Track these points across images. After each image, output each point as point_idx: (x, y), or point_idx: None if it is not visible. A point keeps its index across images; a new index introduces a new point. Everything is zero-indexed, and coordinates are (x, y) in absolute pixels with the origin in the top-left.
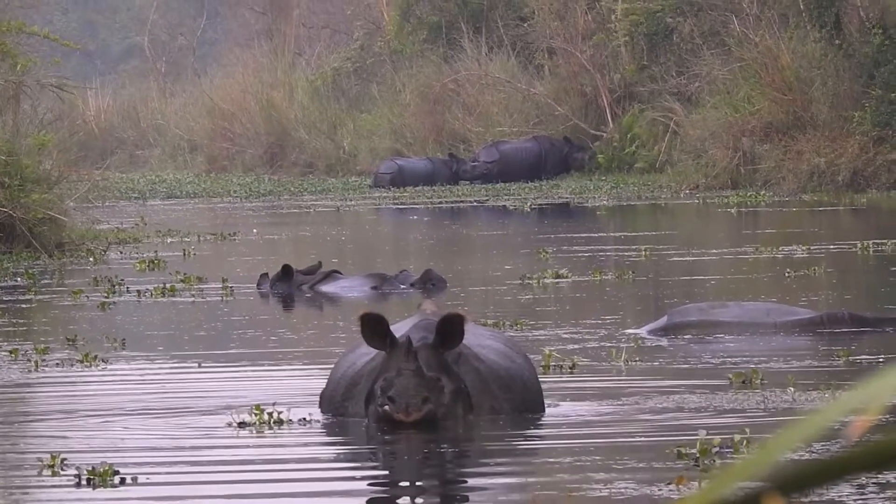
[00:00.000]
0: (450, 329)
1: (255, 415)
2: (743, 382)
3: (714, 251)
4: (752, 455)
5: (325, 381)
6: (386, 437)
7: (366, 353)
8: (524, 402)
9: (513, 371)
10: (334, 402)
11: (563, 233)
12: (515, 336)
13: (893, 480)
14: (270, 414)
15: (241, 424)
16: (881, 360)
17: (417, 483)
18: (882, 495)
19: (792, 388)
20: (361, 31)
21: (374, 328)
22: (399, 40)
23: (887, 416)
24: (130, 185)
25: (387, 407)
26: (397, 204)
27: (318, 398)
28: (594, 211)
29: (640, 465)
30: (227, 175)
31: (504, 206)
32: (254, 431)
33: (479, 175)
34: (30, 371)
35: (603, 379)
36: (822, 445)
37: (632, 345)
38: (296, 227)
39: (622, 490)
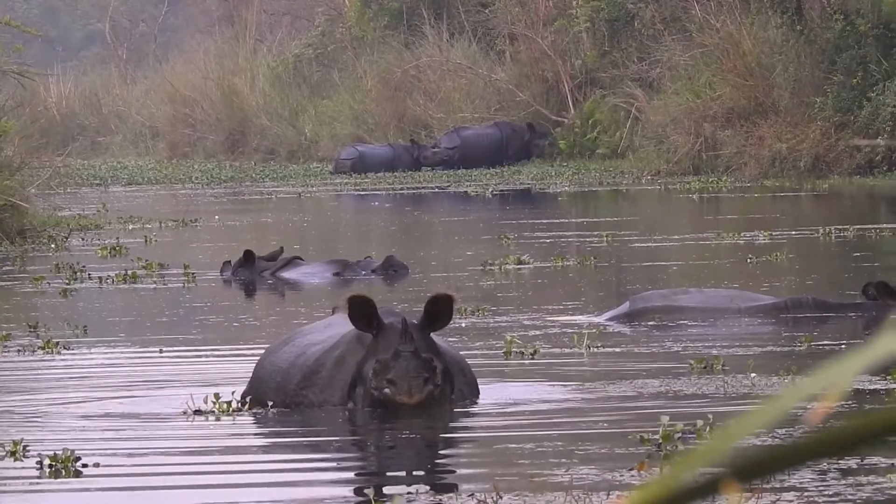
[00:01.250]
0: (438, 309)
1: (214, 402)
2: (704, 368)
3: (676, 237)
4: (712, 441)
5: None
6: (348, 425)
7: (313, 343)
8: (473, 387)
9: (458, 357)
10: (286, 391)
11: (524, 219)
12: (478, 323)
13: (855, 467)
14: (229, 403)
15: (197, 412)
16: (844, 345)
17: (377, 470)
18: (844, 481)
19: (754, 374)
20: (323, 17)
21: (361, 310)
22: (360, 26)
23: (848, 402)
24: (92, 171)
25: (387, 390)
26: (359, 190)
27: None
28: (556, 197)
29: (602, 450)
30: (188, 161)
31: (465, 192)
32: (213, 418)
33: (441, 161)
34: None
35: (565, 365)
36: (785, 431)
37: (593, 331)
38: (257, 214)
39: (584, 475)
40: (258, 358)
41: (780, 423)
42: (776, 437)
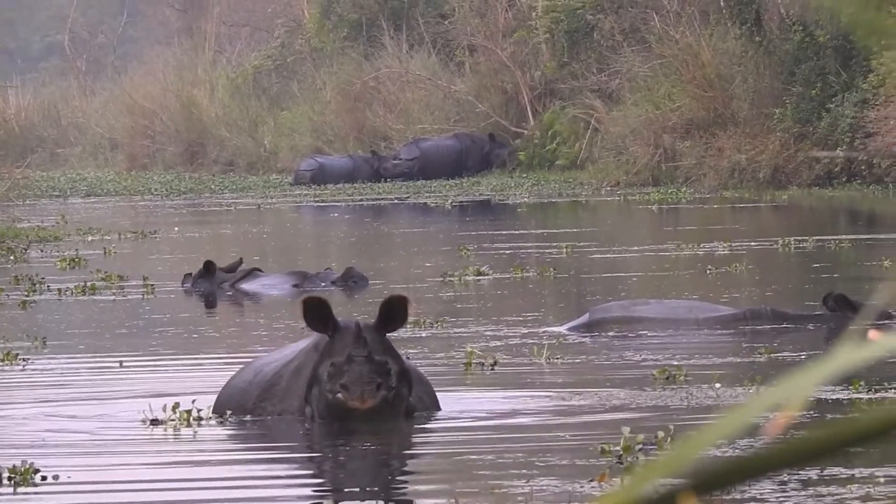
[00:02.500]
0: (393, 310)
1: (174, 412)
2: (667, 379)
3: (635, 248)
4: (673, 451)
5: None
6: (306, 437)
7: (270, 362)
8: (433, 397)
9: (417, 370)
10: (245, 408)
11: (484, 230)
12: (438, 334)
13: (815, 478)
14: (188, 412)
15: (154, 422)
16: (804, 355)
17: (336, 483)
18: (804, 493)
19: (718, 384)
20: (282, 28)
21: (317, 312)
22: (320, 38)
23: (810, 413)
24: (51, 183)
25: (340, 395)
26: (318, 202)
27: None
28: (515, 208)
29: (563, 462)
30: (147, 173)
31: (425, 203)
32: (172, 429)
33: (401, 173)
34: None
35: (525, 376)
36: (747, 442)
37: (553, 342)
38: (217, 226)
39: (544, 487)
40: (218, 375)
41: (741, 434)
42: (737, 448)
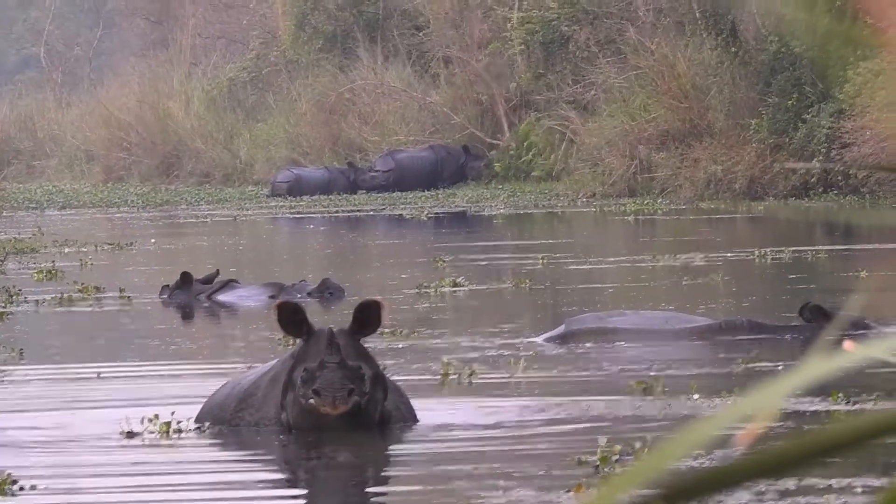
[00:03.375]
0: (367, 315)
1: (152, 423)
2: (644, 390)
3: (611, 259)
4: (644, 462)
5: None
6: (282, 447)
7: (247, 377)
8: (408, 407)
9: (390, 380)
10: (223, 419)
11: (460, 241)
12: (414, 345)
13: (793, 488)
14: (168, 423)
15: (129, 434)
16: (780, 366)
17: (312, 494)
18: (781, 502)
19: (696, 396)
20: (257, 40)
21: (291, 317)
22: (295, 50)
23: (786, 425)
24: (27, 195)
25: (312, 400)
26: (294, 213)
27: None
28: (491, 219)
29: (540, 472)
30: (123, 185)
31: (401, 214)
32: (148, 440)
33: (376, 184)
34: None
35: (501, 387)
36: (720, 452)
37: (530, 353)
38: (193, 237)
39: (521, 498)
40: (195, 386)
41: (711, 445)
42: (710, 459)
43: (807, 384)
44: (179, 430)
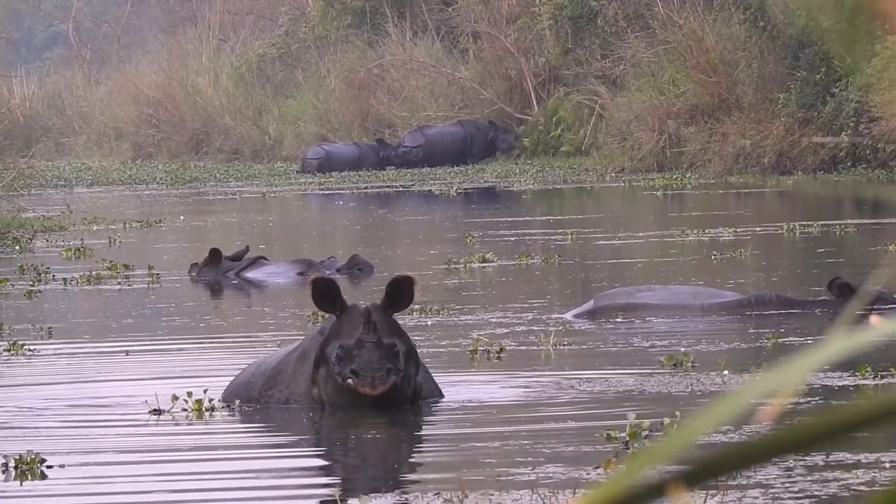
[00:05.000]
0: (399, 290)
1: (182, 400)
2: (674, 365)
3: (640, 234)
4: (669, 438)
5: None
6: (313, 424)
7: (272, 355)
8: (434, 383)
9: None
10: (251, 398)
11: (489, 217)
12: (444, 321)
13: (821, 463)
14: (199, 401)
15: (155, 412)
16: (809, 341)
17: (344, 470)
18: (809, 478)
19: (726, 371)
20: (286, 16)
21: (325, 292)
22: (323, 26)
23: (814, 400)
24: (56, 172)
25: (350, 380)
26: (323, 190)
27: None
28: (520, 195)
29: (569, 449)
30: (152, 162)
31: (430, 190)
32: (181, 419)
33: (406, 160)
34: None
35: (531, 363)
36: (750, 428)
37: (560, 328)
38: (222, 214)
39: (550, 474)
40: (224, 364)
41: (735, 421)
42: (739, 434)
43: (831, 360)
44: (212, 409)
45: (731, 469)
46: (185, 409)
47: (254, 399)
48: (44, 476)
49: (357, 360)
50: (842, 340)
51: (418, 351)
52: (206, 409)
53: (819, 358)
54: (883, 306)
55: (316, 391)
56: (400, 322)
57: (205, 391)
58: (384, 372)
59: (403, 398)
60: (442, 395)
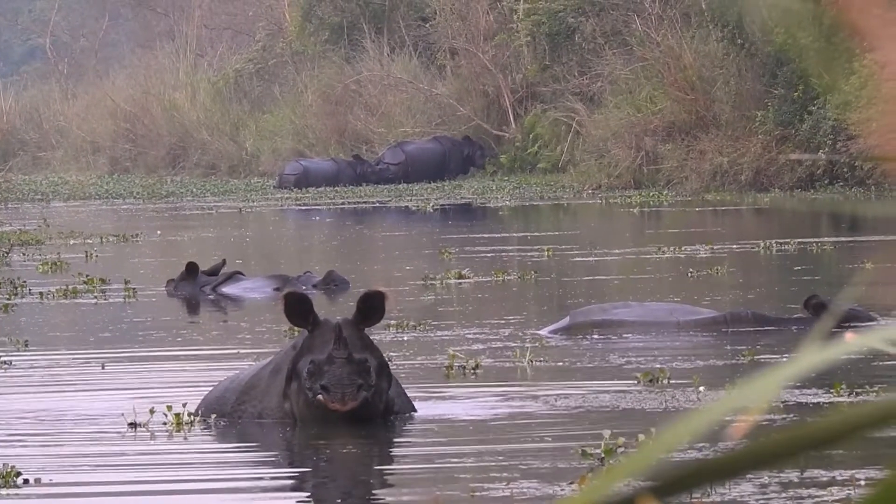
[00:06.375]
0: (371, 305)
1: (157, 414)
2: (650, 381)
3: (617, 251)
4: (638, 453)
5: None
6: (285, 440)
7: (245, 371)
8: (406, 398)
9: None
10: (224, 412)
11: (465, 233)
12: (420, 337)
13: (796, 480)
14: (178, 415)
15: (132, 425)
16: (785, 358)
17: (315, 486)
18: (784, 495)
19: (701, 388)
20: (263, 32)
21: (296, 307)
22: (301, 41)
23: (784, 416)
24: (33, 186)
25: (320, 396)
26: (300, 205)
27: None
28: (497, 211)
29: (545, 465)
30: (129, 176)
31: (407, 206)
32: (158, 432)
33: (386, 177)
34: None
35: (507, 380)
36: (722, 443)
37: (536, 345)
38: (199, 229)
39: (525, 490)
40: (200, 378)
41: (704, 437)
42: (711, 450)
43: (802, 375)
44: (189, 423)
45: (701, 483)
46: (164, 423)
47: (227, 413)
48: (19, 488)
49: (328, 375)
50: (812, 356)
51: (394, 366)
52: (184, 424)
53: (789, 374)
54: (855, 324)
55: (288, 405)
56: (376, 337)
57: (184, 405)
58: (355, 388)
59: (375, 413)
60: (415, 410)
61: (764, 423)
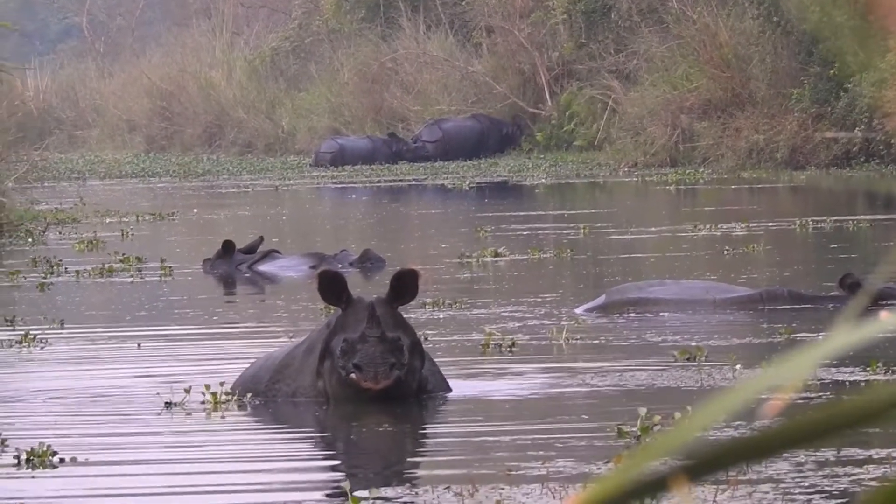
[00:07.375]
0: (403, 284)
1: (203, 394)
2: (687, 359)
3: (653, 229)
4: (671, 432)
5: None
6: (322, 418)
7: (279, 349)
8: (441, 376)
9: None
10: (258, 391)
11: (501, 211)
12: (456, 315)
13: (832, 459)
14: (214, 394)
15: (168, 404)
16: (821, 336)
17: (353, 463)
18: (820, 473)
19: (738, 366)
20: (299, 10)
21: (330, 286)
22: (337, 19)
23: (819, 394)
24: (69, 165)
25: (353, 375)
26: (336, 183)
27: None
28: (533, 189)
29: (581, 443)
30: (165, 155)
31: (443, 184)
32: (194, 411)
33: (423, 154)
34: None
35: (543, 358)
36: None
37: (572, 323)
38: (235, 207)
39: (561, 468)
40: (236, 356)
41: (738, 415)
42: (746, 428)
43: (837, 354)
44: (224, 402)
45: (735, 463)
46: (201, 402)
47: (261, 392)
48: (55, 468)
49: (360, 354)
50: (847, 334)
51: (429, 344)
52: (221, 403)
53: (824, 352)
54: (891, 301)
55: (321, 384)
56: (412, 316)
57: (221, 384)
58: (387, 367)
59: (408, 392)
60: (449, 389)
61: (800, 401)
